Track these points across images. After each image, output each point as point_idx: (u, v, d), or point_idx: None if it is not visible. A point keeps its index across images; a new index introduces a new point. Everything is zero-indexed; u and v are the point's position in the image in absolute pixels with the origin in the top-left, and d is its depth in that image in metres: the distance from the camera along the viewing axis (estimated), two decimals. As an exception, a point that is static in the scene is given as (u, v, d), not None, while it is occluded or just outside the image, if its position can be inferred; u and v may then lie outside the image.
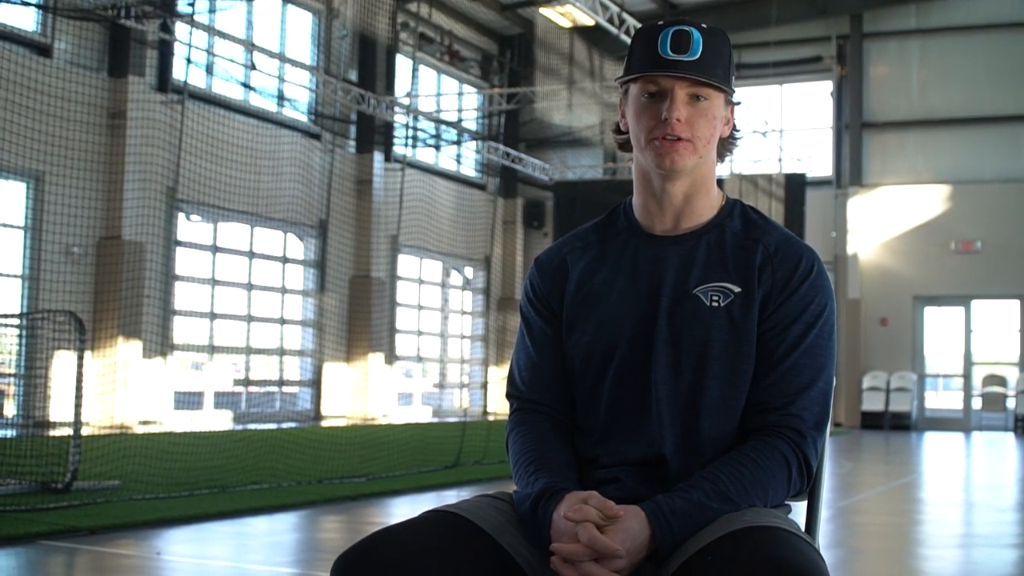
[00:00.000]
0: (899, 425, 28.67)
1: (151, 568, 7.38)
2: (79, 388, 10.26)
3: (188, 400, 22.26)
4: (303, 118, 25.10)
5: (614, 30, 21.80)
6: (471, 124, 31.59)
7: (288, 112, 24.61)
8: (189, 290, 22.51)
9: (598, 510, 2.37)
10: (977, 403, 29.68)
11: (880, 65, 30.35)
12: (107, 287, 19.49)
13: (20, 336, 17.83)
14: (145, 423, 19.86)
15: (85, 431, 11.36)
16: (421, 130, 28.51)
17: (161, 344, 20.75)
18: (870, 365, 29.44)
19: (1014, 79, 28.81)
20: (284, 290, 25.04)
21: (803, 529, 2.58)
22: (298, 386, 25.79)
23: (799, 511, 2.70)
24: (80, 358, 10.35)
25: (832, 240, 29.68)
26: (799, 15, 30.10)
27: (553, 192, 31.67)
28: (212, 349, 23.16)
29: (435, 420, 27.67)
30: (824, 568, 2.25)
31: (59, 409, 16.11)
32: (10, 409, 18.87)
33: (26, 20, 19.31)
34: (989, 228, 28.59)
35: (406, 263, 28.73)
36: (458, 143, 30.27)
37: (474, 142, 30.77)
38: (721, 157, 2.74)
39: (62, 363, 16.52)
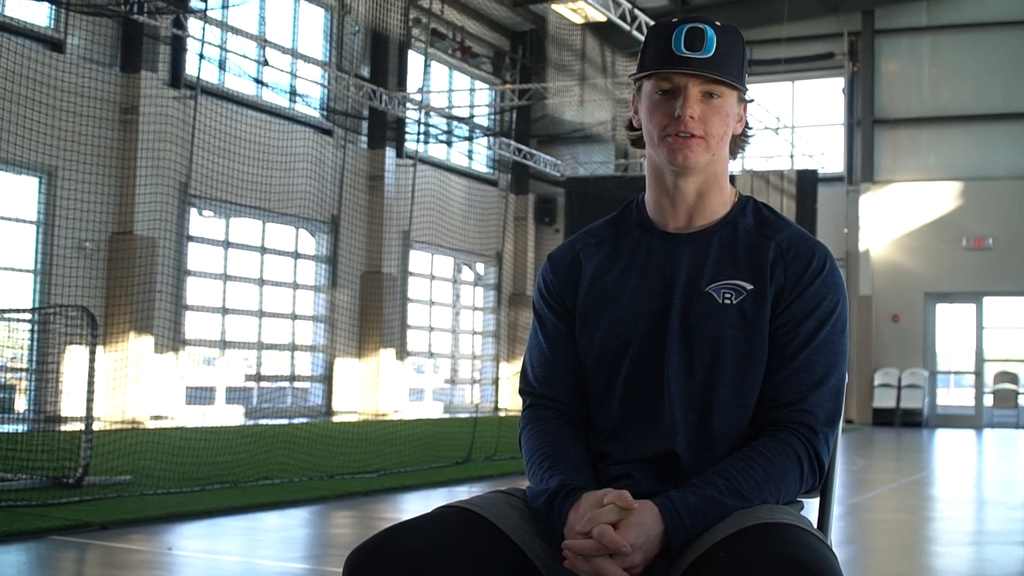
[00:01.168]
0: (910, 422, 28.65)
1: (162, 563, 7.39)
2: (91, 383, 10.27)
3: (200, 395, 22.29)
4: (315, 114, 25.13)
5: (626, 26, 21.79)
6: (483, 120, 31.60)
7: (300, 108, 24.63)
8: (201, 285, 22.55)
9: (614, 503, 2.37)
10: (989, 400, 29.67)
11: (892, 61, 30.31)
12: (119, 282, 19.51)
13: (32, 331, 17.87)
14: (157, 418, 19.90)
15: (96, 426, 11.38)
16: (433, 126, 28.51)
17: (173, 339, 20.78)
18: (882, 362, 29.42)
19: (1026, 76, 28.80)
20: (296, 286, 25.06)
21: (815, 526, 2.58)
22: (309, 382, 25.81)
23: (811, 507, 2.70)
24: (92, 353, 10.36)
25: (844, 236, 29.66)
26: (811, 11, 30.08)
27: (565, 188, 31.67)
28: (224, 344, 23.19)
29: (446, 416, 27.70)
30: (836, 565, 2.25)
31: (71, 404, 16.15)
32: (22, 404, 18.90)
33: (39, 15, 19.35)
34: (1001, 225, 28.55)
35: (418, 259, 28.75)
36: (470, 139, 30.25)
37: (486, 138, 30.74)
38: (733, 154, 2.74)
39: (74, 358, 16.55)
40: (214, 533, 8.71)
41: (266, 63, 22.33)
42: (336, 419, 23.76)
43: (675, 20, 2.62)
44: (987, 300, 29.35)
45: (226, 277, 23.03)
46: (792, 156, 29.92)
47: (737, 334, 2.59)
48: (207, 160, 20.90)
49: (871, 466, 17.52)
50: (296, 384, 25.56)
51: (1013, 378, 29.55)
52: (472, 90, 31.37)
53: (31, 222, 19.31)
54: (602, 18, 22.44)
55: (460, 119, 29.72)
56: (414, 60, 27.69)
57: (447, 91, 30.34)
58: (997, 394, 29.60)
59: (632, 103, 2.74)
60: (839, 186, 30.16)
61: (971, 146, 29.22)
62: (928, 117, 29.73)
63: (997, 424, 29.10)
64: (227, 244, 23.09)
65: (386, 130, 26.64)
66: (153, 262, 20.00)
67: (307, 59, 23.52)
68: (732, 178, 2.87)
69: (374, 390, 25.75)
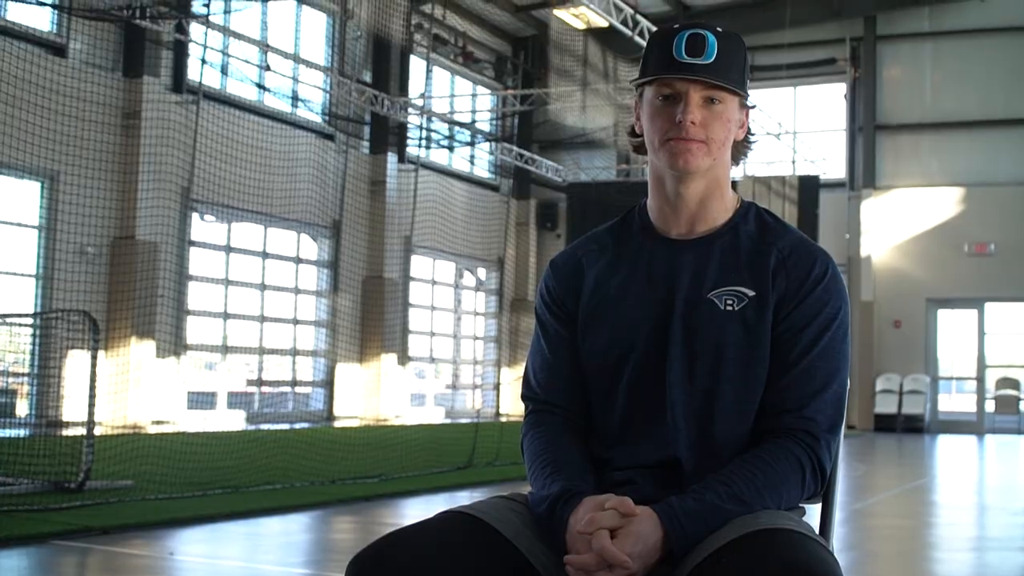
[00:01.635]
0: (912, 428, 28.62)
1: (164, 568, 7.39)
2: (92, 388, 10.27)
3: (201, 400, 22.29)
4: (317, 119, 25.13)
5: (628, 32, 21.79)
6: (485, 125, 31.61)
7: (302, 113, 24.64)
8: (202, 290, 22.56)
9: (615, 509, 2.37)
10: (990, 406, 29.64)
11: (894, 67, 30.31)
12: (121, 287, 19.52)
13: (34, 335, 17.88)
14: (158, 423, 19.89)
15: (98, 431, 11.37)
16: (435, 131, 28.52)
17: (174, 344, 20.78)
18: (883, 368, 29.40)
19: (1028, 82, 28.80)
20: (297, 290, 25.07)
21: (817, 531, 2.58)
22: (311, 386, 25.82)
23: (813, 513, 2.70)
24: (93, 358, 10.37)
25: (845, 242, 29.64)
26: (813, 17, 30.04)
27: (566, 194, 31.71)
28: (225, 349, 23.20)
29: (448, 421, 27.70)
30: (838, 571, 2.25)
31: (72, 408, 16.14)
32: (23, 408, 18.91)
33: (41, 20, 19.37)
34: (1002, 231, 28.52)
35: (419, 264, 28.75)
36: (472, 144, 30.27)
37: (487, 143, 30.78)
38: (736, 160, 2.74)
39: (75, 362, 16.55)
40: (215, 538, 8.71)
41: (268, 68, 22.35)
42: (337, 424, 23.77)
43: (677, 26, 2.62)
44: (989, 306, 29.33)
45: (228, 282, 23.04)
46: (794, 162, 29.95)
47: (739, 341, 2.58)
48: (209, 165, 20.91)
49: (873, 472, 17.51)
50: (297, 389, 25.59)
51: (1015, 384, 29.53)
52: (474, 95, 31.37)
53: (33, 227, 19.31)
54: (604, 24, 22.48)
55: (462, 124, 29.74)
56: (416, 65, 27.69)
57: (449, 96, 30.35)
58: (999, 400, 29.58)
59: (634, 109, 2.74)
60: (841, 192, 30.14)
61: (973, 152, 29.21)
62: (930, 123, 29.72)
63: (999, 430, 29.08)
64: (229, 249, 23.10)
65: (388, 135, 26.66)
66: (155, 266, 20.00)
67: (309, 64, 23.55)
68: (734, 184, 2.87)
69: (375, 395, 25.76)
